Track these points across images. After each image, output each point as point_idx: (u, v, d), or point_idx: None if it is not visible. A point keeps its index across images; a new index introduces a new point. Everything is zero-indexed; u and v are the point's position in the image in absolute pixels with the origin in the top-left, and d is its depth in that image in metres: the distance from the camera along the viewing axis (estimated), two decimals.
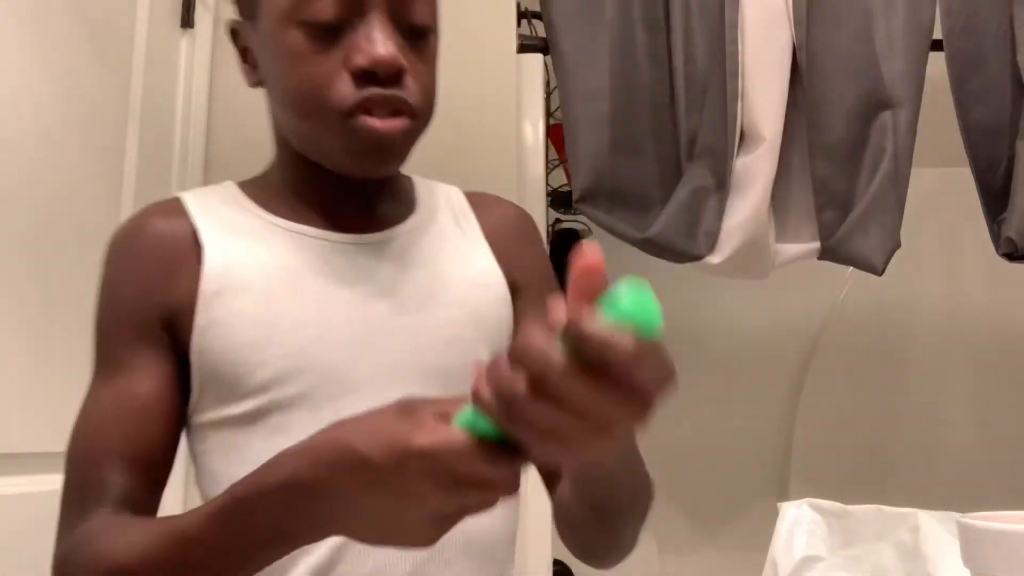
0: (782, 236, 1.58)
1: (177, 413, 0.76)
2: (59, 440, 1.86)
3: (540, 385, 0.44)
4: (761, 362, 1.90)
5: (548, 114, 1.78)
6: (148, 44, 1.86)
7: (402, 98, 0.74)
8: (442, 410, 0.51)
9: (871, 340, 1.91)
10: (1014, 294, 1.85)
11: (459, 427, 0.49)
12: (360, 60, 0.72)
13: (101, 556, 0.65)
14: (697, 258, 1.53)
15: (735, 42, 1.54)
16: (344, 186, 0.80)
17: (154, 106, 1.88)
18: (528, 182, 1.63)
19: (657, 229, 1.53)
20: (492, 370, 0.47)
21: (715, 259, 1.54)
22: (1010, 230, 1.45)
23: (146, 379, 0.75)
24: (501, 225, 0.87)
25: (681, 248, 1.46)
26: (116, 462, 0.73)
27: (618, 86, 1.58)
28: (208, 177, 2.04)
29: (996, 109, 1.52)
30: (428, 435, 0.49)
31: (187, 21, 1.98)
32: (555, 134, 1.84)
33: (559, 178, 2.03)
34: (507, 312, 0.82)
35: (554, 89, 1.71)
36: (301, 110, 0.76)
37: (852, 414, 1.89)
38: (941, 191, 1.81)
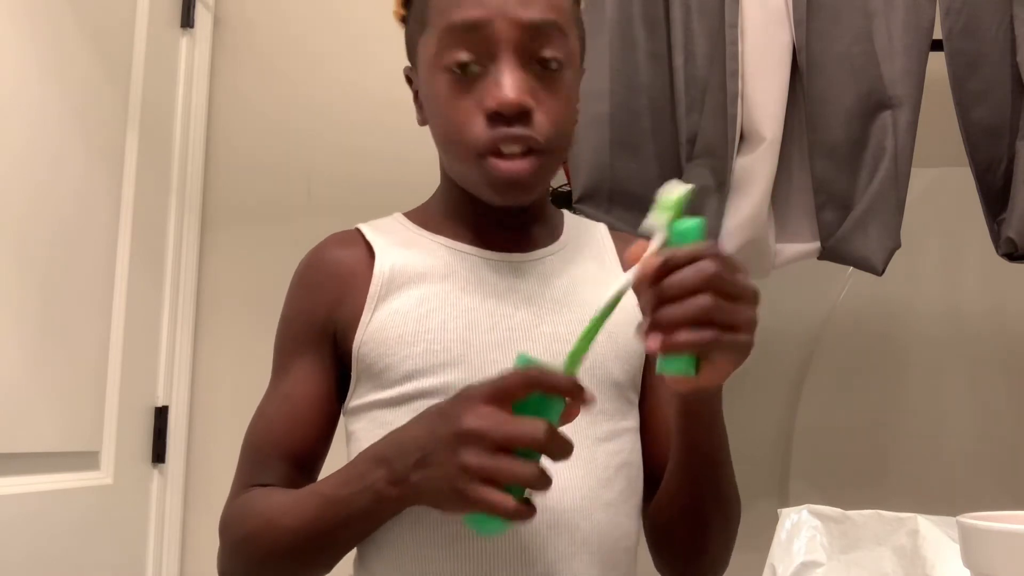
0: (782, 236, 1.58)
1: (329, 413, 0.90)
2: (59, 440, 1.86)
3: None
4: (761, 362, 1.89)
5: None
6: (148, 44, 1.86)
7: (529, 136, 0.81)
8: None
9: (871, 340, 1.91)
10: (1014, 294, 1.85)
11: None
12: (489, 103, 0.80)
13: (253, 511, 0.84)
14: None
15: (735, 42, 1.54)
16: (494, 213, 0.89)
17: (154, 106, 1.88)
18: None
19: None
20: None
21: None
22: (1010, 230, 1.45)
23: (306, 384, 0.89)
24: None
25: None
26: (277, 451, 0.88)
27: (618, 86, 1.58)
28: (208, 177, 2.04)
29: (996, 109, 1.52)
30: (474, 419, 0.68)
31: (187, 21, 1.98)
32: None
33: (559, 177, 2.03)
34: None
35: None
36: (446, 148, 0.87)
37: (852, 414, 1.89)
38: (941, 191, 1.81)
